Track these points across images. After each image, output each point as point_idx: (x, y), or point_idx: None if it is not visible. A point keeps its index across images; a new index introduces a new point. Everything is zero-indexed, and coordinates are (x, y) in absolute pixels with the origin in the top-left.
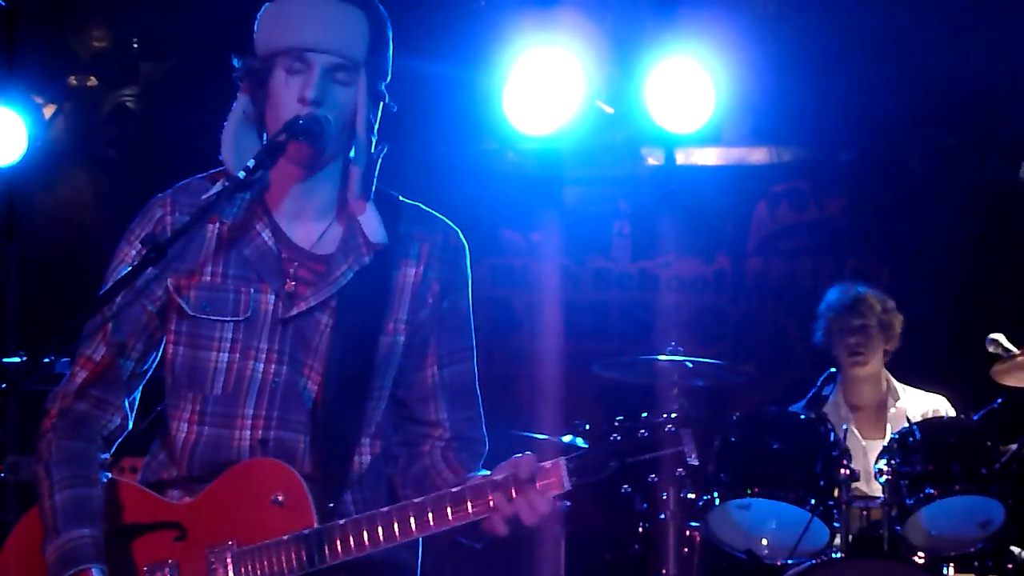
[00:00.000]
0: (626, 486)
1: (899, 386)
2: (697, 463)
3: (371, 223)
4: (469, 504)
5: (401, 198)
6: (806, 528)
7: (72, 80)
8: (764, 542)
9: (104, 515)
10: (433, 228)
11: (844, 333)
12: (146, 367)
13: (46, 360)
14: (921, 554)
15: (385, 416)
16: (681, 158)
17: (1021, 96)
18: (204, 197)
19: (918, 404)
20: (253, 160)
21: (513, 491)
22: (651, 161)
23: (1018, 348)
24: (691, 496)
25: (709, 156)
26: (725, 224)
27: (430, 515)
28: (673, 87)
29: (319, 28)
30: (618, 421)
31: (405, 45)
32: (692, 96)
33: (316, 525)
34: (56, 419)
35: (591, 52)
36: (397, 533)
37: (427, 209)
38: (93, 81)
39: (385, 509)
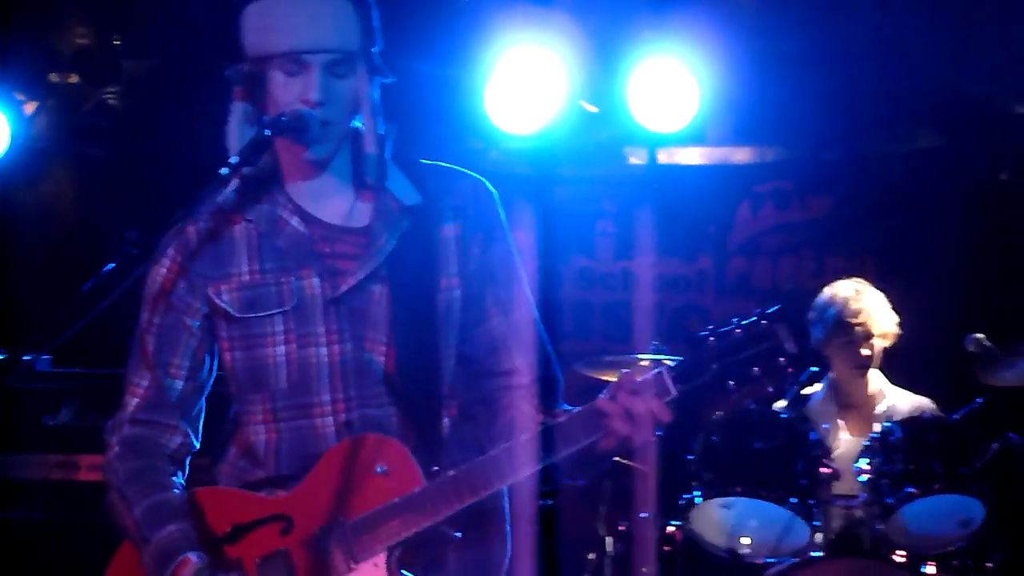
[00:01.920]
0: (731, 382)
1: (888, 386)
2: (796, 351)
3: (402, 187)
4: (580, 428)
5: (421, 160)
6: (787, 527)
7: (54, 77)
8: (745, 541)
9: (205, 523)
10: (462, 181)
11: (852, 356)
12: (199, 383)
13: (27, 358)
14: (902, 553)
15: (456, 375)
16: (664, 158)
17: (1005, 96)
18: (218, 198)
19: (905, 404)
20: (236, 156)
21: (626, 398)
22: (634, 161)
23: (998, 347)
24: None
25: (692, 156)
26: (708, 224)
27: (540, 448)
28: (656, 87)
29: (312, 28)
30: (710, 327)
31: (388, 43)
32: (675, 96)
33: (423, 482)
34: (116, 448)
35: (574, 51)
36: (515, 469)
37: (448, 165)
38: (75, 78)
39: (492, 452)
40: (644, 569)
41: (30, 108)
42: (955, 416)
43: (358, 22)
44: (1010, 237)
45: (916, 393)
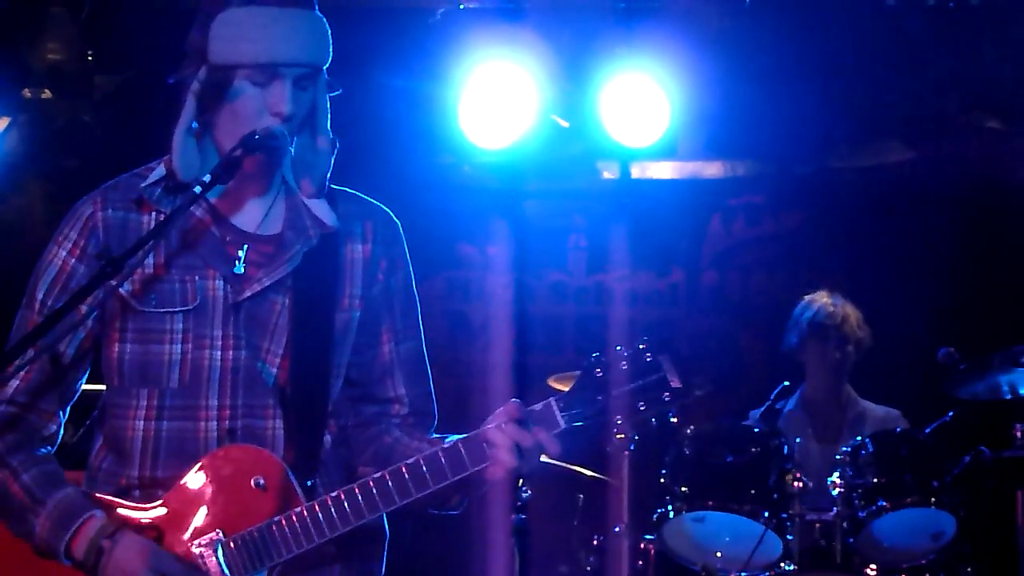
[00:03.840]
0: (618, 418)
1: (858, 398)
2: (681, 386)
3: (320, 207)
4: (465, 455)
5: (332, 185)
6: (759, 541)
7: (26, 92)
8: (718, 555)
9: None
10: (371, 207)
11: (826, 357)
12: (80, 372)
13: None
14: (873, 566)
15: (341, 395)
16: (637, 172)
17: (973, 110)
18: (142, 186)
19: (875, 417)
20: (209, 175)
21: (514, 430)
22: (607, 175)
23: (969, 361)
24: (674, 420)
25: (664, 170)
26: (680, 238)
27: (426, 473)
28: (628, 101)
29: (292, 41)
30: (594, 356)
31: (361, 59)
32: (647, 110)
33: (304, 503)
34: None
35: (546, 66)
36: (396, 496)
37: (357, 192)
38: (48, 93)
39: (377, 474)
40: None
41: (3, 123)
42: (926, 430)
43: (328, 37)
44: (980, 251)
45: (887, 405)
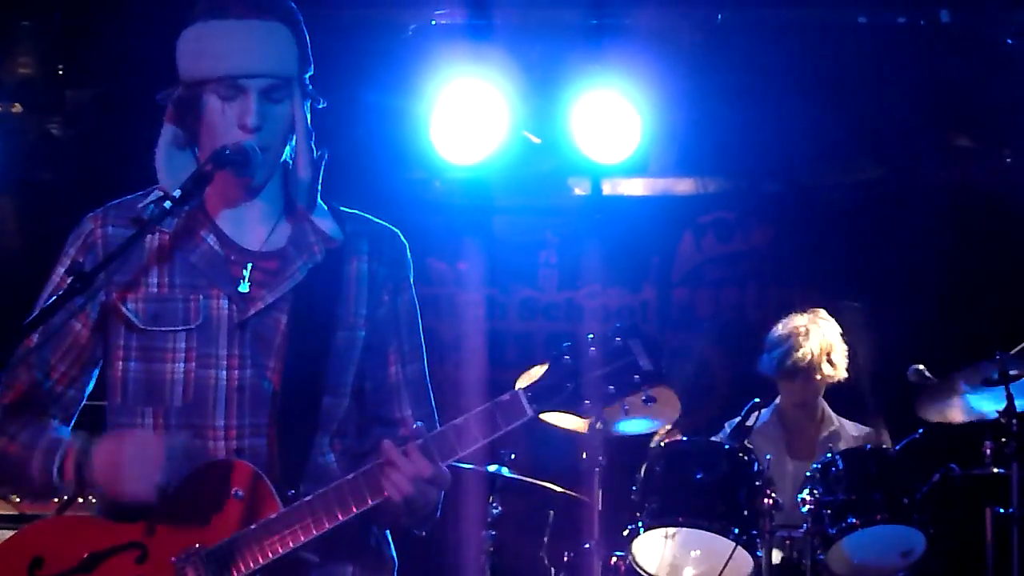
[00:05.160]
0: (587, 400)
1: (833, 414)
2: (651, 368)
3: (325, 222)
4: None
5: (340, 207)
6: (730, 558)
7: None
8: (688, 571)
9: (61, 551)
10: (378, 228)
11: (795, 393)
12: (76, 390)
13: None
14: None
15: (348, 415)
16: (608, 188)
17: (943, 128)
18: (140, 206)
19: (849, 435)
20: (180, 190)
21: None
22: (578, 191)
23: (939, 378)
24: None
25: (635, 187)
26: (651, 255)
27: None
28: (599, 118)
29: (250, 53)
30: (564, 345)
31: (333, 74)
32: (618, 127)
33: (282, 509)
34: None
35: (518, 82)
36: (370, 495)
37: (364, 214)
38: (18, 108)
39: (349, 477)
40: None
41: None
42: (897, 447)
43: (295, 47)
44: (951, 267)
45: (862, 423)
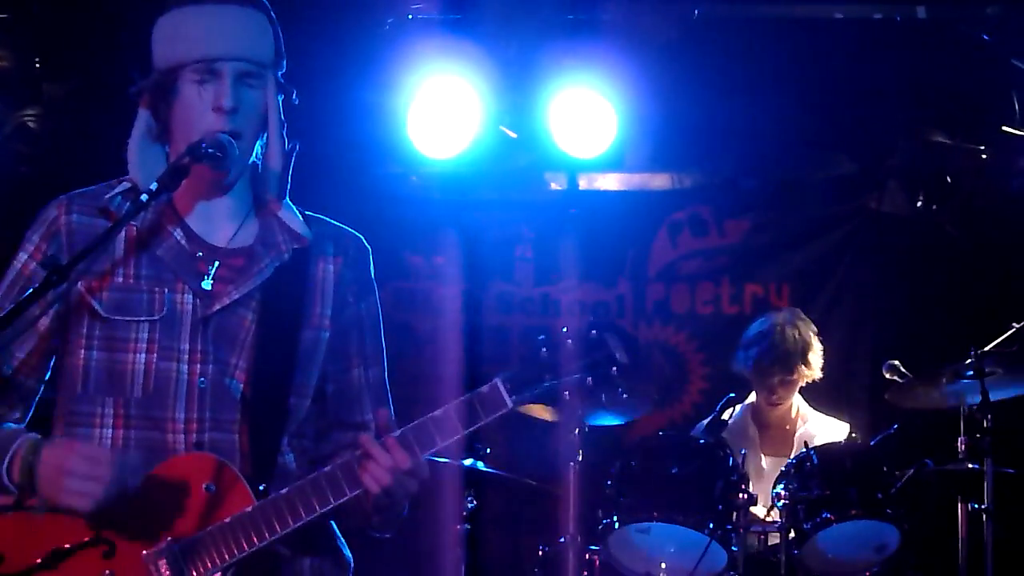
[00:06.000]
0: (567, 393)
1: (808, 410)
2: (627, 360)
3: (293, 219)
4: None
5: (305, 211)
6: (704, 552)
7: None
8: (663, 566)
9: (22, 548)
10: (342, 232)
11: (772, 392)
12: (35, 381)
13: None
14: None
15: (307, 417)
16: (584, 183)
17: (920, 124)
18: (107, 196)
19: (824, 429)
20: (156, 183)
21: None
22: (554, 186)
23: (913, 374)
24: (625, 397)
25: (611, 182)
26: (627, 249)
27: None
28: (575, 113)
29: (226, 36)
30: (540, 338)
31: (310, 67)
32: (594, 122)
33: (255, 502)
34: None
35: (494, 77)
36: (343, 490)
37: (328, 219)
38: None
39: (320, 472)
40: None
41: None
42: (871, 442)
43: (271, 37)
44: (926, 264)
45: (837, 418)
